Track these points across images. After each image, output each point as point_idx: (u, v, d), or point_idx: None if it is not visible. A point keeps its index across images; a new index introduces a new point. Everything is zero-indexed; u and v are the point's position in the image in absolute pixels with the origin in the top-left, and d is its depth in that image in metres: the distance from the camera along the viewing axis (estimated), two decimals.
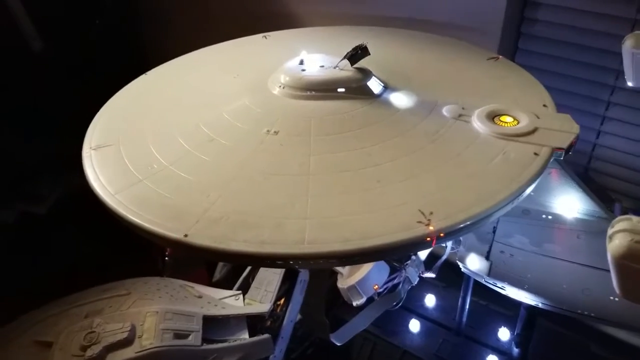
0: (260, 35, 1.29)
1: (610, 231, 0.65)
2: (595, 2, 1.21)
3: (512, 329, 1.38)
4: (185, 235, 0.65)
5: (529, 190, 0.71)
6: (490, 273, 0.98)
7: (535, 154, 0.75)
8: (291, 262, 0.64)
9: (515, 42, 1.38)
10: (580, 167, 1.38)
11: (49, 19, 1.66)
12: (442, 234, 0.63)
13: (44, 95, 1.65)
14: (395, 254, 0.65)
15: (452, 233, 0.64)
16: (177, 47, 1.22)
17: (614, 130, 1.32)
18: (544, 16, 1.31)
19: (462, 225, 0.64)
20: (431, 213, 0.65)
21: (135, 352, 0.92)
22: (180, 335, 0.97)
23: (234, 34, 1.28)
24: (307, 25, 1.56)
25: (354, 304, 1.12)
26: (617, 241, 0.63)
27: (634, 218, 0.65)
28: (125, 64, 1.18)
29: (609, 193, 1.35)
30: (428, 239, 0.63)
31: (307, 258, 0.63)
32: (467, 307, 1.36)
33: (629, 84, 0.92)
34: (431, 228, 0.63)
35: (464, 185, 0.70)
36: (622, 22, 1.19)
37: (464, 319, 1.41)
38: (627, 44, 0.86)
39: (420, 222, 0.64)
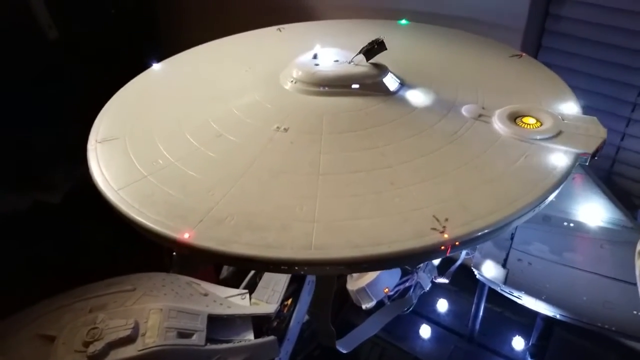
0: (275, 27, 1.25)
1: (639, 247, 0.61)
2: None
3: (527, 337, 1.34)
4: (187, 236, 0.62)
5: (551, 197, 0.67)
6: (507, 281, 0.94)
7: (560, 158, 0.71)
8: (296, 268, 0.61)
9: (539, 39, 1.33)
10: (602, 171, 1.33)
11: (65, 8, 1.65)
12: (457, 243, 0.60)
13: (59, 85, 1.64)
14: (407, 263, 0.61)
15: (469, 242, 0.61)
16: (193, 38, 1.20)
17: None
18: (570, 13, 1.26)
19: (479, 234, 0.61)
20: (446, 219, 0.61)
21: (138, 350, 0.91)
22: (184, 334, 0.96)
23: (249, 25, 1.26)
24: (323, 18, 1.53)
25: (364, 307, 1.09)
26: None
27: None
28: (141, 54, 1.17)
29: (633, 198, 1.30)
30: (442, 247, 0.59)
31: (313, 264, 0.60)
32: (481, 313, 1.32)
33: None
34: (446, 236, 0.59)
35: (482, 190, 0.66)
36: None
37: (477, 326, 1.37)
38: None
39: (434, 229, 0.60)
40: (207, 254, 0.62)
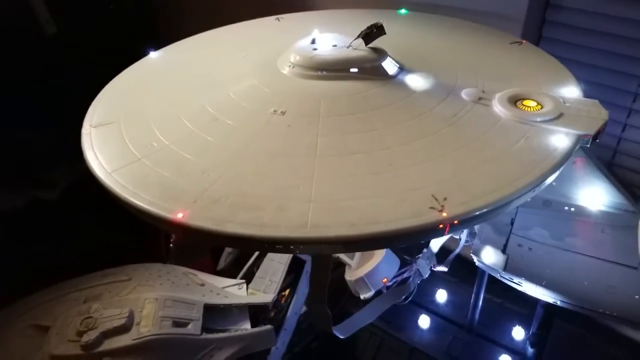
0: (274, 17, 1.25)
1: None
2: None
3: (526, 328, 1.33)
4: (181, 216, 0.61)
5: (551, 178, 0.66)
6: (507, 267, 0.93)
7: (560, 140, 0.70)
8: (292, 247, 0.60)
9: (539, 29, 1.32)
10: (604, 162, 1.32)
11: (63, 3, 1.65)
12: (456, 221, 0.58)
13: (57, 81, 1.64)
14: (404, 242, 0.60)
15: (467, 221, 0.60)
16: (191, 30, 1.19)
17: None
18: (570, 3, 1.25)
19: (478, 213, 0.60)
20: (445, 199, 0.60)
21: (132, 339, 0.91)
22: (179, 323, 0.95)
23: (247, 16, 1.25)
24: (322, 9, 1.52)
25: (362, 297, 1.09)
26: None
27: None
28: (139, 49, 1.16)
29: (634, 189, 1.29)
30: (440, 226, 0.58)
31: (309, 243, 0.58)
32: (480, 303, 1.31)
33: None
34: (444, 214, 0.58)
35: (481, 170, 0.65)
36: None
37: (477, 316, 1.36)
38: None
39: (432, 207, 0.59)
40: (202, 234, 0.60)
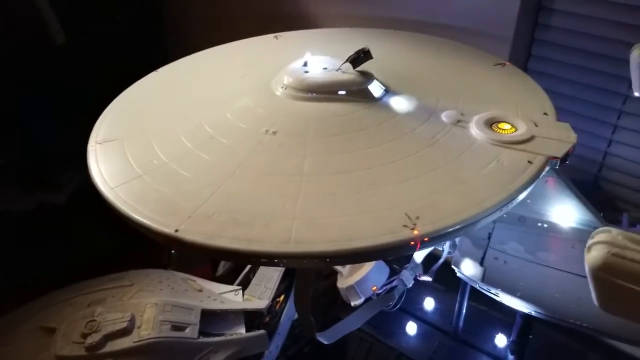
0: (272, 35, 1.30)
1: (589, 242, 0.65)
2: (611, 9, 1.19)
3: (509, 335, 1.36)
4: (176, 231, 0.67)
5: (520, 198, 0.71)
6: (484, 279, 0.97)
7: (529, 162, 0.75)
8: (276, 261, 0.65)
9: (529, 48, 1.36)
10: (590, 176, 1.36)
11: (73, 13, 1.70)
12: (426, 239, 0.64)
13: (66, 87, 1.69)
14: (379, 257, 0.66)
15: (437, 238, 0.65)
16: (199, 44, 1.24)
17: (626, 139, 1.29)
18: (558, 23, 1.30)
19: (447, 231, 0.65)
20: (417, 217, 0.66)
21: (134, 342, 0.95)
22: (177, 327, 1.00)
23: (252, 33, 1.30)
24: (322, 26, 1.58)
25: (352, 304, 1.13)
26: (594, 253, 0.63)
27: (614, 230, 0.64)
28: (147, 59, 1.21)
29: (618, 203, 1.33)
30: (412, 243, 0.63)
31: (291, 257, 0.64)
32: (464, 311, 1.36)
33: (636, 94, 0.90)
34: (415, 232, 0.63)
35: (454, 190, 0.71)
36: (637, 30, 1.17)
37: (461, 324, 1.41)
38: (635, 54, 0.84)
39: (405, 226, 0.65)
40: (195, 247, 0.66)
